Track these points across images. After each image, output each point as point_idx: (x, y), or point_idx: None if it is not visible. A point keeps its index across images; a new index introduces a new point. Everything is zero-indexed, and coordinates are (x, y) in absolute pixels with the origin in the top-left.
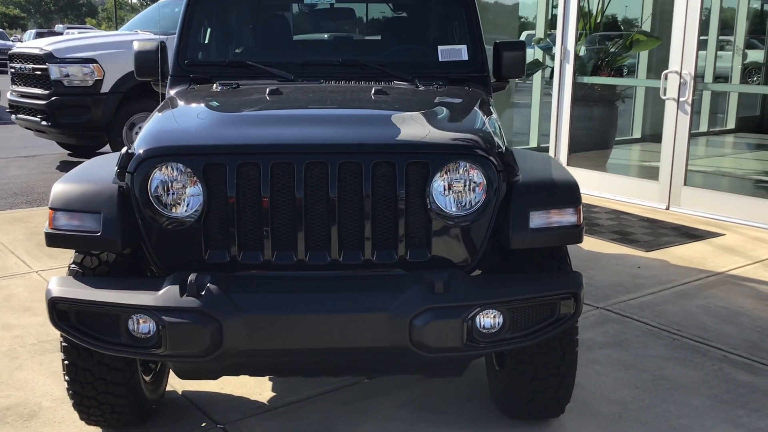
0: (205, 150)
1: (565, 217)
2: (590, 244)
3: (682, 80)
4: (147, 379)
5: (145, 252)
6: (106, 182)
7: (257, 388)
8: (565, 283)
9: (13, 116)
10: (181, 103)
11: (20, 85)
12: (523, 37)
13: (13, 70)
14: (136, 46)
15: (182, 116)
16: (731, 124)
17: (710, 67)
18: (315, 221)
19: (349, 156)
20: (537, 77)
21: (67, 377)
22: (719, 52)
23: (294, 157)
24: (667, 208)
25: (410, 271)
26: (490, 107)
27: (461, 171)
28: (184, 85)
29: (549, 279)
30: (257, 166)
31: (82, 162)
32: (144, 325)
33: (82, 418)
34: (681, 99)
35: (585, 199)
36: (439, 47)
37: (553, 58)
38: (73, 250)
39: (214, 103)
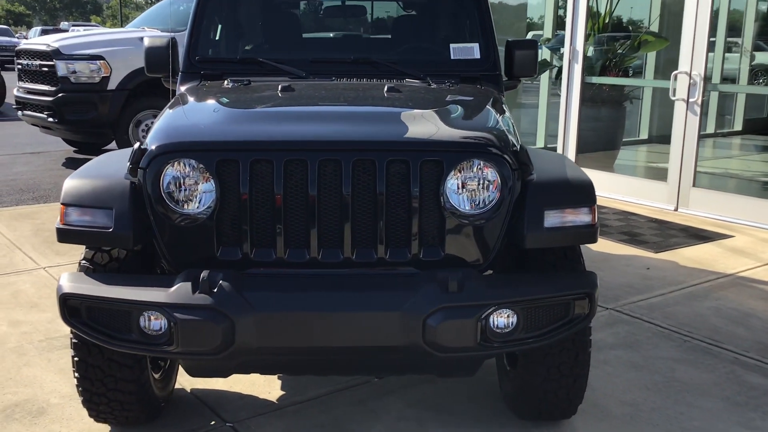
0: (218, 146)
1: (579, 217)
2: (599, 244)
3: (691, 81)
4: (156, 376)
5: (156, 248)
6: (118, 178)
7: (266, 387)
8: (579, 283)
9: (19, 112)
10: (192, 99)
11: (27, 81)
12: (529, 38)
13: (20, 67)
14: (146, 42)
15: (194, 112)
16: (738, 126)
17: (718, 69)
18: (328, 219)
19: (363, 153)
20: (544, 77)
21: (76, 374)
22: (726, 54)
23: (308, 154)
24: (676, 210)
25: (423, 269)
26: (503, 105)
27: (475, 169)
28: (195, 82)
29: (563, 279)
30: (270, 163)
31: (88, 159)
32: (156, 322)
33: (91, 415)
34: (690, 100)
35: None
36: (451, 45)
37: (560, 58)
38: (83, 247)
39: (226, 100)
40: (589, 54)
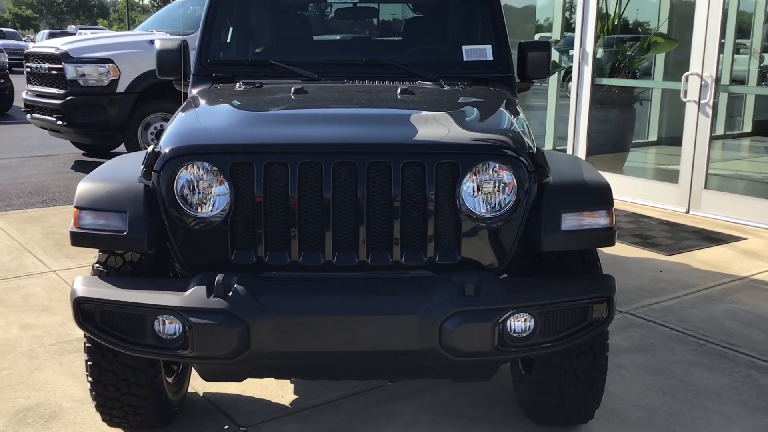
0: (232, 149)
1: (597, 220)
2: (611, 247)
3: (703, 82)
4: (169, 380)
5: (170, 252)
6: (131, 181)
7: (279, 391)
8: (598, 287)
9: (28, 116)
10: (205, 102)
11: (36, 84)
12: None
13: (28, 70)
14: (158, 44)
15: (207, 115)
16: (748, 128)
17: (727, 70)
18: (343, 222)
19: (378, 156)
20: (553, 79)
21: (90, 378)
22: (735, 56)
23: (322, 157)
24: (687, 212)
25: (439, 273)
26: (517, 107)
27: (491, 171)
28: (207, 84)
29: (581, 282)
30: (285, 166)
31: (96, 162)
32: (170, 326)
33: (104, 420)
34: (702, 101)
35: None
36: (464, 47)
37: (569, 59)
38: (95, 250)
39: (239, 102)
40: (599, 56)
